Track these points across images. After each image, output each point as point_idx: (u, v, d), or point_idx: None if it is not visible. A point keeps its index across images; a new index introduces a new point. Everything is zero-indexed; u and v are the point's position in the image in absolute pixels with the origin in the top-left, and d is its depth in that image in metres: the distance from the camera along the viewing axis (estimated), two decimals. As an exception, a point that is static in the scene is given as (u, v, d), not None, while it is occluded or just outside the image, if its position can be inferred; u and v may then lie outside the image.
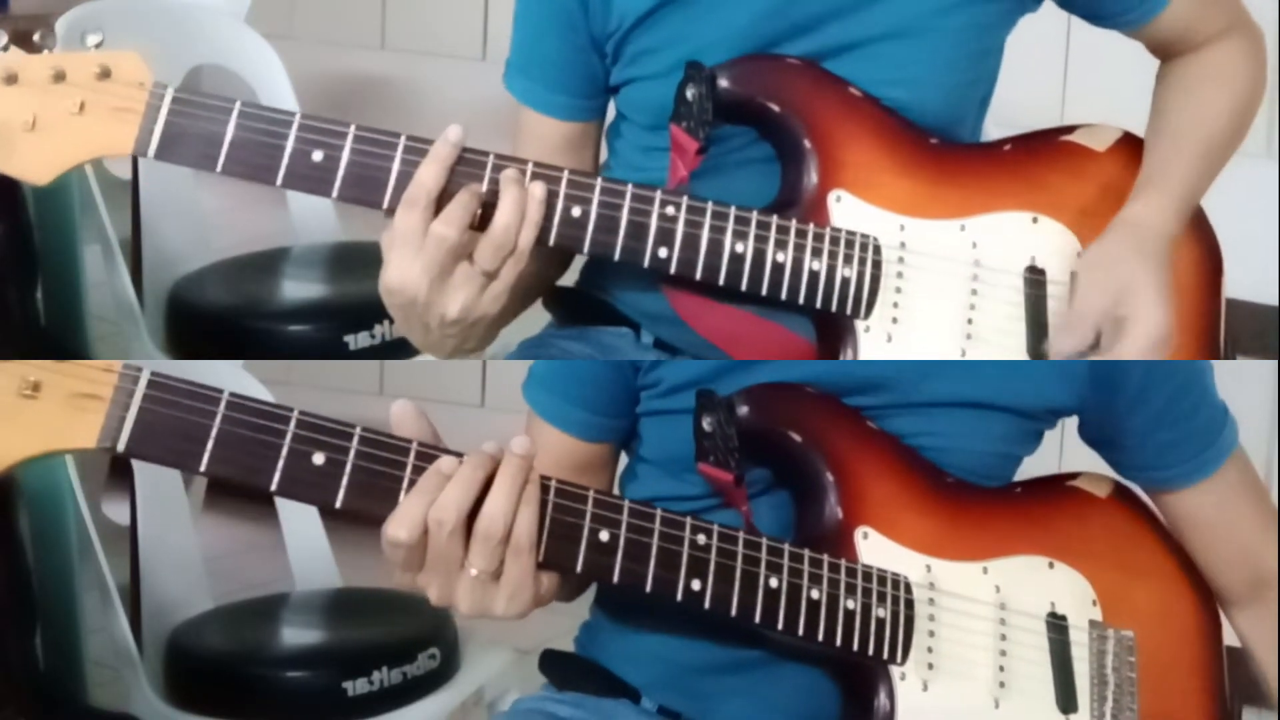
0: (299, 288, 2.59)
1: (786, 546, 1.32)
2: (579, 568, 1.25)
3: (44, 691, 2.19)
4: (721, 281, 1.37)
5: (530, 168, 1.34)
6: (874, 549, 1.36)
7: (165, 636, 2.30)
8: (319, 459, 1.21)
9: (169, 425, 1.19)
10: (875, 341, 1.39)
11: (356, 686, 2.23)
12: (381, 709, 2.24)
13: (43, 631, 2.20)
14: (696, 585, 1.28)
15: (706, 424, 1.35)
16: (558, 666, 1.51)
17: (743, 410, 1.36)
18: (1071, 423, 1.50)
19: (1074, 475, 1.49)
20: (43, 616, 2.21)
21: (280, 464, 1.20)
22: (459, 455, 1.23)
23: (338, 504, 1.21)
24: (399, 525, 1.20)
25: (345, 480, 1.21)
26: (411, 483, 1.21)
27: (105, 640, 2.26)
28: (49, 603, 2.22)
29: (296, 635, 2.47)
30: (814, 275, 1.38)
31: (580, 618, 1.54)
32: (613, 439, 1.50)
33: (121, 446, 1.19)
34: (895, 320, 1.40)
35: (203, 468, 1.19)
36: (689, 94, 1.39)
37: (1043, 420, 1.46)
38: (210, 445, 1.19)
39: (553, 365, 1.49)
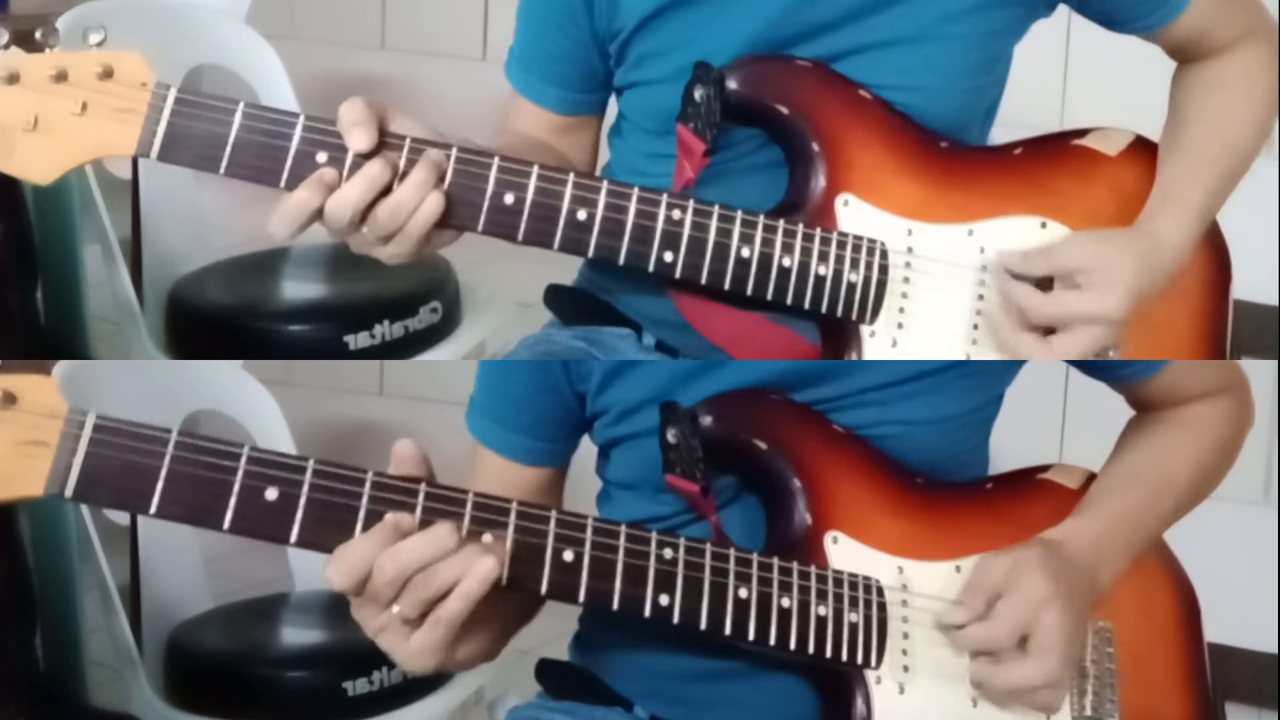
0: (299, 288, 2.58)
1: (755, 556, 1.31)
2: (543, 589, 1.24)
3: (44, 691, 2.19)
4: (727, 286, 1.36)
5: (536, 170, 1.32)
6: (844, 553, 1.36)
7: (165, 636, 2.30)
8: (271, 494, 1.19)
9: (117, 468, 1.17)
10: (880, 345, 1.39)
11: (356, 686, 2.24)
12: (381, 709, 2.25)
13: (43, 631, 2.20)
14: (664, 600, 1.28)
15: (670, 436, 1.35)
16: (553, 675, 1.51)
17: (706, 420, 1.36)
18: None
19: (1045, 468, 1.49)
20: (43, 616, 2.21)
21: (232, 502, 1.18)
22: (418, 490, 1.21)
23: (292, 539, 1.19)
24: (338, 571, 1.19)
25: (299, 515, 1.19)
26: (369, 513, 1.20)
27: (105, 640, 2.26)
28: (49, 603, 2.22)
29: (296, 635, 2.46)
30: (820, 280, 1.38)
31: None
32: (556, 463, 1.50)
33: (69, 493, 1.16)
34: (900, 325, 1.40)
35: (153, 510, 1.17)
36: (697, 95, 1.39)
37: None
38: (160, 486, 1.17)
39: (491, 393, 1.49)
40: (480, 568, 1.20)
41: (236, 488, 1.18)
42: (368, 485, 1.21)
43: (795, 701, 1.38)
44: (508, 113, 1.55)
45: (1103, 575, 1.40)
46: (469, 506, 1.22)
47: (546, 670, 1.51)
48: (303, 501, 1.19)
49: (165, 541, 2.34)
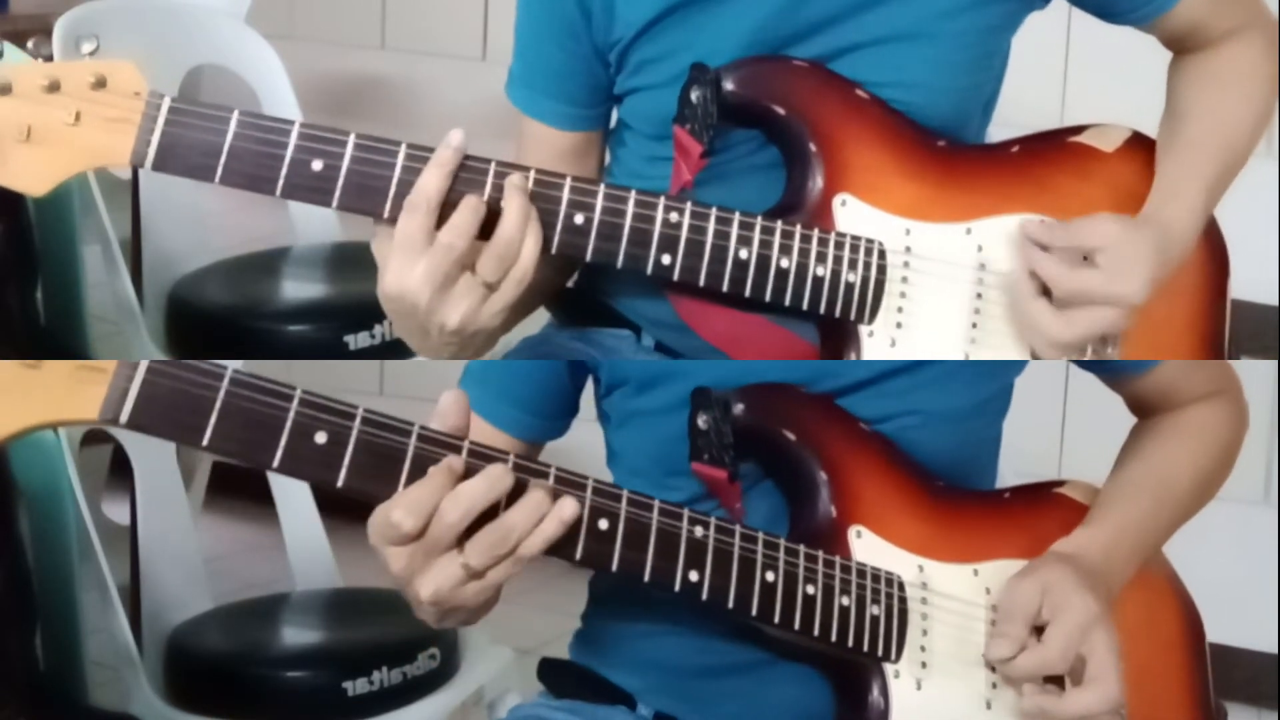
0: (299, 288, 2.59)
1: (782, 541, 1.32)
2: (578, 555, 1.25)
3: (44, 691, 2.18)
4: (725, 288, 1.36)
5: (533, 174, 1.33)
6: (867, 548, 1.36)
7: (165, 636, 2.30)
8: (321, 438, 1.20)
9: (172, 400, 1.18)
10: (879, 345, 1.39)
11: (356, 686, 2.24)
12: (381, 709, 2.25)
13: (43, 631, 2.20)
14: (694, 576, 1.28)
15: (702, 422, 1.35)
16: (555, 674, 1.51)
17: (738, 408, 1.36)
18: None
19: (1061, 483, 1.49)
20: (43, 616, 2.20)
21: (283, 441, 1.19)
22: (461, 445, 1.22)
23: (339, 483, 1.20)
24: (408, 511, 1.19)
25: (347, 460, 1.20)
26: (413, 462, 1.21)
27: (105, 640, 2.26)
28: (49, 603, 2.21)
29: (296, 635, 2.47)
30: (818, 281, 1.38)
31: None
32: (545, 439, 1.51)
33: (124, 419, 1.17)
34: (899, 325, 1.39)
35: (205, 442, 1.18)
36: (693, 96, 1.39)
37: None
38: (213, 420, 1.18)
39: (489, 362, 1.49)
40: (563, 510, 1.21)
41: (288, 428, 1.19)
42: (414, 438, 1.22)
43: (804, 696, 1.38)
44: (519, 149, 1.54)
45: (1113, 582, 1.40)
46: (509, 467, 1.23)
47: (548, 669, 1.51)
48: (350, 447, 1.20)
49: (165, 541, 2.35)
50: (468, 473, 1.21)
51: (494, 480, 1.20)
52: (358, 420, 1.21)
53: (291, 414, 1.20)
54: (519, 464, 1.24)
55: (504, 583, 1.22)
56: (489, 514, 1.21)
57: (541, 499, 1.21)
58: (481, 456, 1.23)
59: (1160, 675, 1.46)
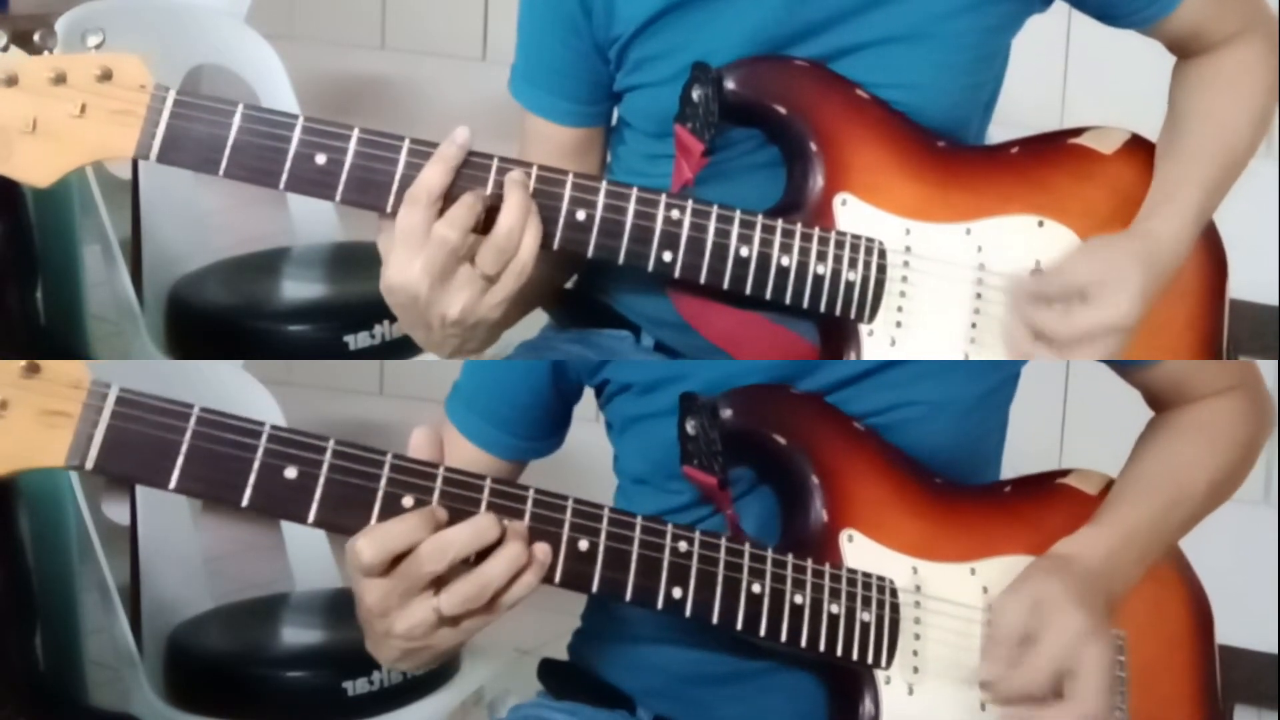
0: (299, 288, 2.59)
1: (769, 552, 1.32)
2: (558, 578, 1.25)
3: (44, 691, 2.19)
4: (726, 285, 1.36)
5: (535, 171, 1.33)
6: (859, 552, 1.36)
7: (165, 636, 2.30)
8: (291, 473, 1.19)
9: (138, 441, 1.17)
10: (878, 344, 1.39)
11: (356, 686, 2.24)
12: (381, 709, 2.25)
13: (43, 631, 2.20)
14: (678, 593, 1.28)
15: (690, 427, 1.35)
16: (555, 676, 1.51)
17: (726, 413, 1.35)
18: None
19: (1064, 473, 1.48)
20: (43, 616, 2.21)
21: (252, 479, 1.19)
22: (436, 472, 1.22)
23: (310, 519, 1.20)
24: (370, 547, 1.19)
25: (318, 494, 1.20)
26: (386, 495, 1.21)
27: (105, 640, 2.26)
28: (49, 603, 2.22)
29: (296, 635, 2.47)
30: (819, 279, 1.38)
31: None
32: (530, 459, 1.52)
33: (90, 464, 1.17)
34: (899, 324, 1.40)
35: (172, 485, 1.17)
36: (695, 95, 1.39)
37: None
38: (180, 461, 1.17)
39: (477, 384, 1.51)
40: (539, 558, 1.22)
41: (256, 465, 1.19)
42: (386, 467, 1.21)
43: (804, 702, 1.38)
44: (522, 146, 1.54)
45: (1116, 586, 1.38)
46: (486, 493, 1.23)
47: (548, 670, 1.51)
48: (321, 481, 1.20)
49: (165, 541, 2.35)
50: (444, 505, 1.21)
51: (479, 531, 1.21)
52: (328, 454, 1.20)
53: (260, 451, 1.19)
54: (496, 489, 1.23)
55: (479, 630, 1.22)
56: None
57: (518, 551, 1.21)
58: (457, 484, 1.22)
59: (1167, 673, 1.45)
